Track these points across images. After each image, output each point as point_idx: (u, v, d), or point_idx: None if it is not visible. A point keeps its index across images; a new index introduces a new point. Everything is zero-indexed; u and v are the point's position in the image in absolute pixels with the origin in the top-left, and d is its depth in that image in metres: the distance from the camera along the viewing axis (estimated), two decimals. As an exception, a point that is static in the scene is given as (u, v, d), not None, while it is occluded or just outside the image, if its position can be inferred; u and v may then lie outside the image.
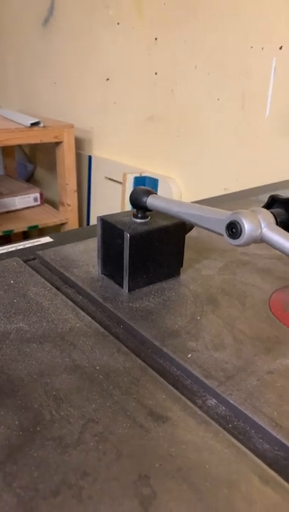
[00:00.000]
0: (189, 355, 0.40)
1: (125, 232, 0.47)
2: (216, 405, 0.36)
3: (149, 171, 1.62)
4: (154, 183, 1.56)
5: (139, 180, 1.59)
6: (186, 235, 0.54)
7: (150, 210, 0.50)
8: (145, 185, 1.62)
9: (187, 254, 0.60)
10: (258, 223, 0.39)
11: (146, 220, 0.50)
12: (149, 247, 0.50)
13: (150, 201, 0.48)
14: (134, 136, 1.69)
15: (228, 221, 0.39)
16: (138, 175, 1.59)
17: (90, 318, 0.45)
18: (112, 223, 0.49)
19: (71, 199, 1.86)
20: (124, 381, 0.37)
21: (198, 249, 0.63)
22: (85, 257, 0.58)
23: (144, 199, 0.48)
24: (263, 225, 0.39)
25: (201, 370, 0.38)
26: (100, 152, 1.90)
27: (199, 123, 1.41)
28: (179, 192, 1.54)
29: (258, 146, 1.26)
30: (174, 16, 1.40)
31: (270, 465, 0.31)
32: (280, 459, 0.32)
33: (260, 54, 1.18)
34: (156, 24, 1.47)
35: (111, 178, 1.80)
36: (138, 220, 0.50)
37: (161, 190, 1.56)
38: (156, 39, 1.48)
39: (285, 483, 0.29)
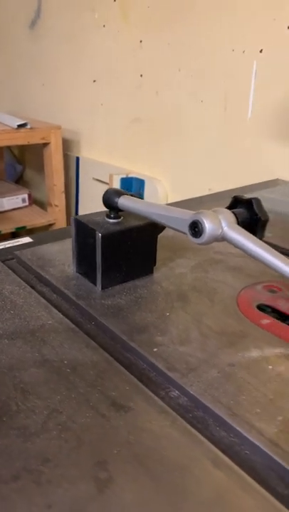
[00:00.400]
0: (155, 349, 0.42)
1: (97, 232, 0.49)
2: (178, 396, 0.38)
3: (136, 172, 1.64)
4: (140, 184, 1.58)
5: (126, 181, 1.61)
6: (162, 235, 0.56)
7: (122, 211, 0.51)
8: (132, 186, 1.64)
9: (162, 253, 0.62)
10: (219, 223, 0.40)
11: (119, 220, 0.52)
12: (122, 246, 0.51)
13: (121, 202, 0.50)
14: (121, 138, 1.71)
15: (190, 221, 0.41)
16: (124, 176, 1.61)
17: (61, 315, 0.47)
18: (85, 223, 0.51)
19: (59, 200, 1.87)
20: (90, 374, 0.38)
21: (173, 248, 0.65)
22: (62, 256, 0.60)
23: (116, 200, 0.50)
24: (223, 225, 0.41)
25: (166, 363, 0.40)
26: (88, 153, 1.91)
27: (184, 124, 1.43)
28: (165, 192, 1.56)
29: (241, 147, 1.28)
30: (157, 19, 1.42)
31: (224, 451, 0.33)
32: (235, 445, 0.33)
33: (242, 57, 1.20)
34: (141, 27, 1.49)
35: (99, 179, 1.82)
36: (111, 220, 0.52)
37: (147, 191, 1.58)
38: (140, 42, 1.50)
39: (236, 467, 0.31)
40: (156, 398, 0.36)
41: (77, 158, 1.92)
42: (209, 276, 0.57)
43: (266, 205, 0.93)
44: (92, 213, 0.54)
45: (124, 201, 0.49)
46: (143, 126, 1.59)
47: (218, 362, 0.41)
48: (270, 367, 0.41)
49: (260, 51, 1.16)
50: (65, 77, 1.93)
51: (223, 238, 0.41)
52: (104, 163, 1.80)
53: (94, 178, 1.85)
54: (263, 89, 1.19)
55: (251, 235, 0.40)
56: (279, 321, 0.48)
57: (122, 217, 0.52)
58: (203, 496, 0.28)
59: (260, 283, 0.55)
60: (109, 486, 0.28)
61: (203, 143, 1.38)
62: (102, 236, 0.48)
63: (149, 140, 1.58)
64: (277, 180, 1.16)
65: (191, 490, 0.29)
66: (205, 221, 0.40)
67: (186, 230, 0.41)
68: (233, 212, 0.42)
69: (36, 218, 1.89)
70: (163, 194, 1.55)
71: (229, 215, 0.41)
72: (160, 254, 0.61)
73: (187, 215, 0.41)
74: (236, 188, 1.08)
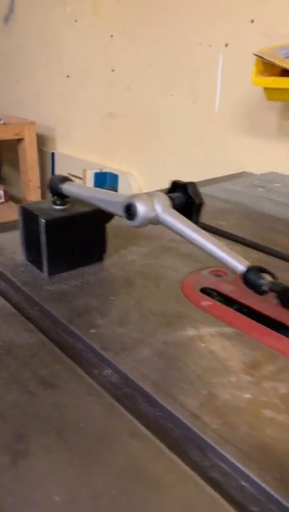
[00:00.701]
0: (92, 331, 0.43)
1: (40, 218, 0.49)
2: (110, 374, 0.38)
3: (111, 167, 1.64)
4: (114, 178, 1.58)
5: (100, 176, 1.61)
6: (118, 224, 0.56)
7: (68, 197, 0.52)
8: (106, 181, 1.64)
9: (115, 241, 0.62)
10: (152, 206, 0.41)
11: (65, 206, 0.53)
12: (67, 232, 0.52)
13: (65, 188, 0.50)
14: (95, 133, 1.71)
15: (125, 203, 0.42)
16: (98, 171, 1.61)
17: (4, 300, 0.47)
18: (31, 210, 0.51)
19: (35, 195, 1.87)
20: (24, 355, 0.39)
21: (128, 236, 0.65)
22: (14, 244, 0.60)
23: (60, 186, 0.50)
24: (158, 208, 0.42)
25: (101, 343, 0.41)
26: (63, 149, 1.91)
27: (155, 119, 1.44)
28: (139, 186, 1.57)
29: (209, 140, 1.29)
30: (128, 14, 1.43)
31: (148, 425, 0.33)
32: (159, 419, 0.34)
33: (208, 51, 1.21)
34: (112, 21, 1.49)
35: (74, 174, 1.82)
36: (56, 207, 0.52)
37: (121, 186, 1.58)
38: (112, 36, 1.50)
39: (154, 438, 0.32)
40: (86, 377, 0.37)
41: (53, 154, 1.91)
42: (159, 262, 0.58)
43: (227, 196, 0.94)
44: (39, 201, 0.55)
45: (68, 187, 0.50)
46: (116, 121, 1.59)
47: (152, 341, 0.42)
48: (204, 345, 0.42)
49: (226, 45, 1.17)
50: (40, 73, 1.92)
51: (158, 221, 0.42)
52: (79, 158, 1.80)
53: (69, 174, 1.85)
54: (229, 83, 1.20)
55: (185, 218, 0.41)
56: (220, 303, 0.49)
57: (68, 204, 0.53)
58: (115, 464, 0.29)
59: (207, 268, 0.56)
60: (25, 458, 0.29)
61: (175, 137, 1.39)
62: (45, 222, 0.49)
63: (122, 135, 1.58)
64: (243, 173, 1.18)
65: (104, 458, 0.29)
66: (138, 204, 0.40)
67: (122, 212, 0.42)
68: (168, 196, 0.43)
69: (12, 214, 1.88)
70: (137, 188, 1.56)
71: (164, 198, 0.42)
72: (113, 242, 0.62)
73: (122, 198, 0.42)
74: (203, 181, 1.10)
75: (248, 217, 0.79)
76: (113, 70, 1.54)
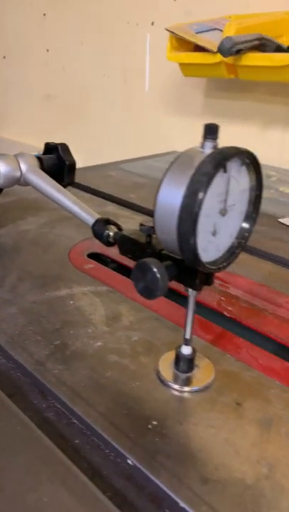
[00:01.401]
0: None
1: None
2: (-28, 333, 0.39)
3: (50, 149, 1.62)
4: (52, 161, 1.57)
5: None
6: (23, 197, 0.56)
7: None
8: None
9: (16, 213, 0.63)
10: (17, 166, 0.42)
11: None
12: None
13: None
14: (34, 116, 1.68)
15: (-11, 165, 0.42)
16: (37, 154, 1.58)
17: None
18: None
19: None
20: None
21: (30, 209, 0.66)
22: None
23: None
24: (23, 168, 0.42)
25: None
26: (3, 132, 1.87)
27: (90, 99, 1.43)
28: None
29: (141, 120, 1.30)
30: (59, -8, 1.40)
31: (-3, 375, 0.34)
32: (10, 370, 0.35)
33: (136, 30, 1.21)
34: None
35: (16, 158, 1.78)
36: None
37: (61, 169, 1.57)
38: (44, 15, 1.47)
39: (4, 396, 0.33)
40: None
41: (-7, 138, 1.87)
42: (54, 231, 0.59)
43: (146, 172, 0.95)
44: None
45: None
46: (54, 103, 1.57)
47: (21, 301, 0.42)
48: (72, 302, 0.43)
49: (152, 24, 1.18)
50: (-23, 54, 1.86)
51: (25, 182, 0.43)
52: (19, 142, 1.76)
53: (11, 158, 1.82)
54: (157, 62, 1.21)
55: (49, 179, 0.42)
56: (102, 266, 0.51)
57: None
58: None
59: (100, 235, 0.58)
60: None
61: (109, 117, 1.39)
62: None
63: (60, 116, 1.57)
64: (173, 152, 1.20)
65: None
66: (0, 163, 0.41)
67: (-12, 175, 0.42)
68: (36, 157, 0.43)
69: None
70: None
71: (31, 159, 0.43)
72: (13, 214, 0.62)
73: (-13, 160, 0.42)
74: (132, 159, 1.11)
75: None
76: (48, 50, 1.51)
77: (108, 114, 1.37)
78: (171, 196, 0.26)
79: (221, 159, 0.25)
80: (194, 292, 0.32)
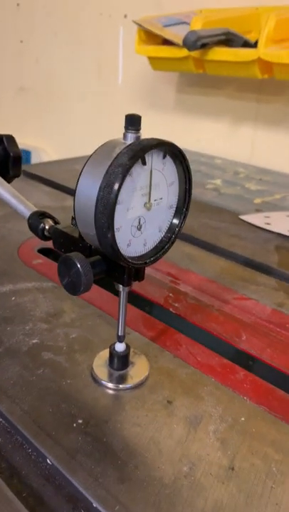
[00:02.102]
0: None
1: None
2: None
3: (23, 143, 1.60)
4: (26, 155, 1.54)
5: (13, 153, 1.57)
6: None
7: None
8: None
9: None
10: None
11: None
12: None
13: None
14: (6, 109, 1.65)
15: None
16: (11, 147, 1.56)
17: None
18: None
19: None
20: None
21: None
22: None
23: None
24: None
25: None
26: (-21, 125, 1.83)
27: (64, 92, 1.41)
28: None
29: (114, 112, 1.28)
30: (33, -18, 1.38)
31: None
32: None
33: (109, 22, 1.20)
34: (18, -10, 1.44)
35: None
36: None
37: (34, 162, 1.55)
38: (18, 5, 1.44)
39: None
40: None
41: None
42: (8, 226, 0.57)
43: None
44: None
45: None
46: (27, 96, 1.54)
47: None
48: (13, 298, 0.42)
49: (125, 16, 1.16)
50: None
51: None
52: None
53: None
54: (130, 56, 1.19)
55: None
56: (51, 261, 0.50)
57: None
58: None
59: (54, 229, 0.57)
60: None
61: (83, 110, 1.37)
62: None
63: (34, 110, 1.54)
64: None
65: None
66: None
67: None
68: (-22, 149, 0.42)
69: None
70: (51, 165, 1.53)
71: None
72: None
73: None
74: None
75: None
76: (21, 41, 1.49)
77: (81, 107, 1.35)
78: (88, 188, 0.25)
79: (138, 151, 0.24)
80: (126, 288, 0.31)
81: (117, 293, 0.44)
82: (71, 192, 0.72)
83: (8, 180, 0.41)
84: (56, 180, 0.76)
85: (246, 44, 0.82)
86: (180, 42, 0.80)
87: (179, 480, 0.26)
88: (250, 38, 0.84)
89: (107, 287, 0.45)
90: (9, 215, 0.61)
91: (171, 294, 0.45)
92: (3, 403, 0.30)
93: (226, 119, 1.04)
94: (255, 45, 0.81)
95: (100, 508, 0.24)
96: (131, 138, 0.26)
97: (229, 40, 0.80)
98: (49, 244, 0.55)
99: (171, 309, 0.43)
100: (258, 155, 1.01)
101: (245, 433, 0.29)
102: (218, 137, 1.06)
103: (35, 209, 0.36)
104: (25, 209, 0.36)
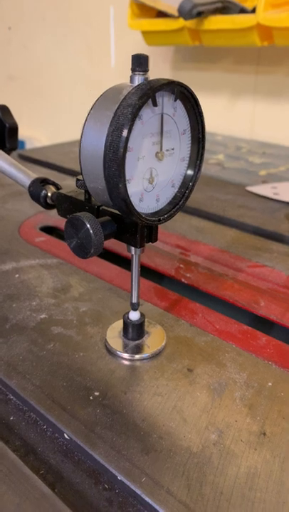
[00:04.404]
0: None
1: None
2: None
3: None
4: (20, 144, 1.51)
5: (7, 144, 1.54)
6: None
7: None
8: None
9: None
10: None
11: None
12: None
13: None
14: None
15: None
16: (5, 138, 1.53)
17: None
18: None
19: None
20: None
21: (-16, 185, 0.62)
22: None
23: None
24: None
25: None
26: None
27: (55, 78, 1.38)
28: (49, 153, 1.51)
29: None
30: None
31: None
32: None
33: (99, 3, 1.16)
34: (3, -25, 1.40)
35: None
36: None
37: (30, 153, 1.52)
38: (4, -9, 1.41)
39: None
40: None
41: None
42: (5, 206, 0.55)
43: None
44: None
45: None
46: (17, 84, 1.51)
47: None
48: (17, 275, 0.40)
49: (115, -5, 1.13)
50: None
51: None
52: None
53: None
54: (122, 36, 1.16)
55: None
56: (54, 238, 0.48)
57: None
58: None
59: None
60: None
61: (75, 95, 1.34)
62: None
63: (25, 98, 1.51)
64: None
65: None
66: None
67: None
68: None
69: None
70: (46, 155, 1.50)
71: None
72: None
73: None
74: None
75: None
76: (10, 28, 1.45)
77: (73, 91, 1.32)
78: (95, 135, 0.23)
79: (148, 90, 0.22)
80: (138, 251, 0.29)
81: (127, 266, 0.42)
82: (70, 172, 0.69)
83: (5, 153, 0.39)
84: (54, 162, 0.74)
85: (243, 11, 0.79)
86: (175, 13, 0.78)
87: (208, 448, 0.24)
88: (247, 6, 0.81)
89: (115, 262, 0.44)
90: (7, 196, 0.58)
91: (182, 265, 0.43)
92: (14, 379, 0.28)
93: (224, 94, 1.01)
94: (252, 12, 0.79)
95: (125, 480, 0.22)
96: (139, 79, 0.23)
97: (225, 8, 0.77)
98: (51, 221, 0.53)
99: (183, 280, 0.41)
100: (259, 130, 0.98)
101: (273, 398, 0.27)
102: (217, 113, 1.03)
103: (36, 176, 0.34)
104: (25, 177, 0.34)
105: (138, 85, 0.22)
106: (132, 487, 0.22)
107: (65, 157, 0.78)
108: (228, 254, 0.45)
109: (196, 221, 0.54)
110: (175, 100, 0.24)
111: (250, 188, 0.64)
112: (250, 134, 0.98)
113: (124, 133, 0.21)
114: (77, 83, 1.31)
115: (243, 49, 0.93)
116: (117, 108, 0.22)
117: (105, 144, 0.22)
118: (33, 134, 1.52)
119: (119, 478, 0.22)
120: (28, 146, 1.50)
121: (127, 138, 0.21)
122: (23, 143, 1.51)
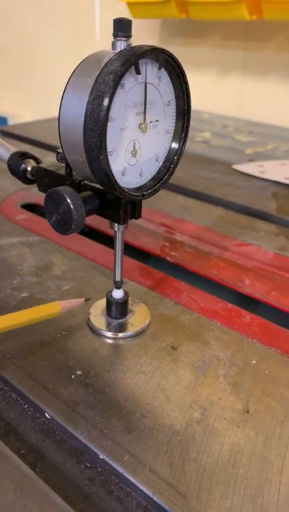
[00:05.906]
0: None
1: None
2: None
3: None
4: (3, 121, 1.47)
5: (-11, 120, 1.49)
6: None
7: None
8: (-4, 125, 1.52)
9: None
10: None
11: None
12: None
13: None
14: (-19, 73, 1.56)
15: None
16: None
17: None
18: None
19: None
20: None
21: None
22: None
23: None
24: None
25: None
26: None
27: (40, 53, 1.33)
28: (32, 130, 1.47)
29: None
30: None
31: None
32: None
33: (83, -29, 1.12)
34: None
35: None
36: None
37: (13, 130, 1.48)
38: None
39: None
40: None
41: None
42: (-13, 183, 0.54)
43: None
44: None
45: None
46: (1, 59, 1.46)
47: None
48: (-2, 254, 0.39)
49: None
50: None
51: None
52: None
53: None
54: (108, 8, 1.12)
55: None
56: (36, 216, 0.46)
57: None
58: None
59: (38, 185, 0.53)
60: None
61: (60, 70, 1.30)
62: None
63: (8, 73, 1.46)
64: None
65: None
66: None
67: None
68: None
69: None
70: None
71: None
72: None
73: None
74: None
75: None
76: (-10, -2, 1.39)
77: (57, 66, 1.28)
78: (74, 104, 0.22)
79: (130, 56, 0.21)
80: (121, 227, 0.28)
81: (111, 245, 0.42)
82: (52, 149, 0.67)
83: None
84: (36, 138, 0.72)
85: (232, -16, 0.76)
86: (161, -17, 0.75)
87: (191, 426, 0.24)
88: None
89: (99, 240, 0.43)
90: (-12, 172, 0.57)
91: (167, 244, 0.43)
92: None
93: (211, 70, 0.99)
94: (241, -16, 0.76)
95: (107, 459, 0.22)
96: (121, 45, 0.22)
97: (214, -21, 0.75)
98: (33, 199, 0.52)
99: (168, 258, 0.40)
100: (246, 108, 0.97)
101: (257, 375, 0.27)
102: (204, 90, 1.01)
103: (15, 150, 0.33)
104: (4, 150, 0.32)
105: (120, 51, 0.21)
106: (115, 466, 0.22)
107: (48, 133, 0.76)
108: (213, 233, 0.45)
109: (182, 199, 0.53)
110: (159, 68, 0.23)
111: (236, 167, 0.63)
112: (237, 112, 0.97)
113: (106, 101, 0.20)
114: (61, 56, 1.27)
115: (232, 24, 0.90)
116: (98, 75, 0.21)
117: (85, 112, 0.21)
118: (16, 110, 1.48)
119: (101, 457, 0.22)
120: (11, 122, 1.46)
121: (109, 107, 0.20)
122: (5, 120, 1.47)
